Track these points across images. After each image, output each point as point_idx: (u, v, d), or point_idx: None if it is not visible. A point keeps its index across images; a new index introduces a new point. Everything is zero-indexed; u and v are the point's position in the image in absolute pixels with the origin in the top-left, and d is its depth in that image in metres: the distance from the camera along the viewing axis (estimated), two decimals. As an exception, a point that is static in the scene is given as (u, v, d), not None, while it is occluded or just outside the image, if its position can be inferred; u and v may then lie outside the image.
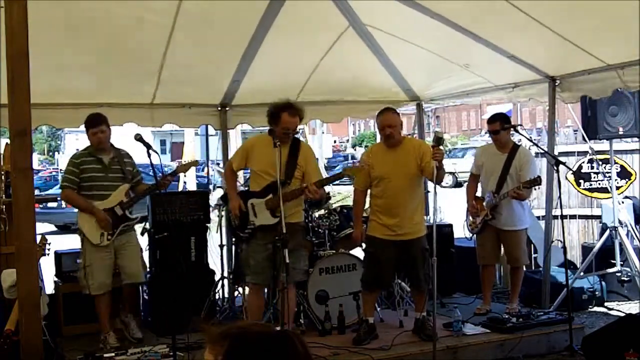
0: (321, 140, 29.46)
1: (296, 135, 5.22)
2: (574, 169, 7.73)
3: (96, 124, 5.23)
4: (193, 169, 14.00)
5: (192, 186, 16.63)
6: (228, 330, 1.50)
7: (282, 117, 4.86)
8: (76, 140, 49.34)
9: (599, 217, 7.73)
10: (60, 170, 35.45)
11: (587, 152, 7.86)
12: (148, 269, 5.95)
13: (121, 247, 5.31)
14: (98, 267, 5.20)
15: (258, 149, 5.04)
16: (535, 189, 7.82)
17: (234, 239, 6.13)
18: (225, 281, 6.39)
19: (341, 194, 6.64)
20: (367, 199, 5.38)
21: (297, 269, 4.91)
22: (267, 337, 1.49)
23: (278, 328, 4.98)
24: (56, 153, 52.07)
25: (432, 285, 4.66)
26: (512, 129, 6.05)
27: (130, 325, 5.46)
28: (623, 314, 6.06)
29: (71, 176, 5.25)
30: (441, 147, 4.79)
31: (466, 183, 6.47)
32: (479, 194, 6.15)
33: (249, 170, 5.38)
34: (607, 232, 6.85)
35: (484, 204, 5.95)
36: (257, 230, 4.94)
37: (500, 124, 5.83)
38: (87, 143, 5.45)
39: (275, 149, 4.71)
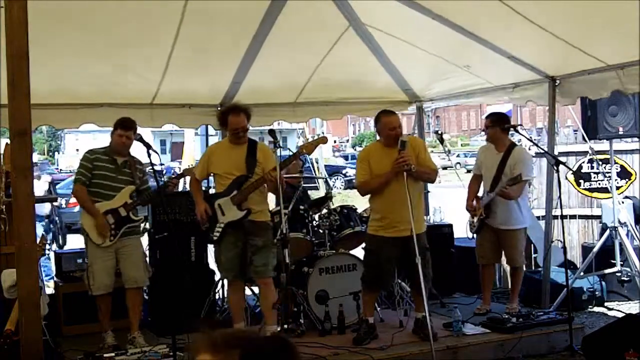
0: (321, 140, 29.44)
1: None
2: (574, 169, 7.73)
3: (128, 128, 5.27)
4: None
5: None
6: (233, 338, 1.50)
7: (229, 119, 5.14)
8: (76, 141, 49.44)
9: (599, 217, 7.73)
10: (60, 170, 35.48)
11: (587, 152, 7.86)
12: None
13: (123, 249, 5.29)
14: (99, 267, 5.21)
15: (218, 153, 5.32)
16: (534, 188, 7.86)
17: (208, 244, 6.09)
18: (225, 281, 6.39)
19: (341, 194, 6.62)
20: (366, 198, 5.39)
21: (269, 266, 5.13)
22: (276, 345, 1.52)
23: (277, 328, 5.00)
24: (56, 153, 52.12)
25: (418, 287, 4.72)
26: (512, 128, 6.09)
27: (137, 340, 5.28)
28: (623, 314, 6.06)
29: (84, 170, 5.29)
30: (405, 151, 4.89)
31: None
32: (481, 193, 6.15)
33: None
34: (607, 232, 6.85)
35: (481, 202, 5.97)
36: (227, 228, 5.14)
37: (489, 121, 5.92)
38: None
39: (234, 149, 5.10)
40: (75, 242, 7.14)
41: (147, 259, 5.69)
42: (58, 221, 10.69)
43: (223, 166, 5.21)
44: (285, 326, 4.99)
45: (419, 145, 5.26)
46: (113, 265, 5.28)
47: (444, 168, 29.19)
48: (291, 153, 5.37)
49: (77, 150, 44.17)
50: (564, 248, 5.55)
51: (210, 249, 6.30)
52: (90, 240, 5.23)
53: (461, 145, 47.02)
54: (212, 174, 5.38)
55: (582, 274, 6.76)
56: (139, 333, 5.35)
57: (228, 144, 5.29)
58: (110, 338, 5.25)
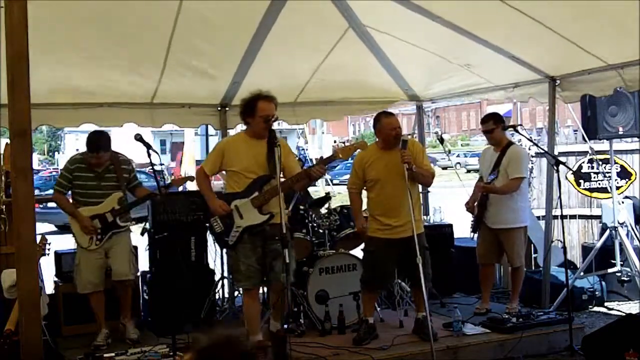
0: (321, 140, 29.51)
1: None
2: (574, 169, 7.73)
3: (94, 150, 5.21)
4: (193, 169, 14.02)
5: (192, 186, 16.60)
6: (200, 342, 1.51)
7: (258, 105, 4.73)
8: (76, 140, 49.38)
9: (599, 217, 7.73)
10: (61, 170, 35.58)
11: (587, 152, 7.86)
12: (148, 269, 5.96)
13: (111, 248, 5.35)
14: (85, 267, 5.29)
15: (235, 148, 4.87)
16: (533, 188, 7.86)
17: (217, 245, 5.94)
18: (225, 281, 6.39)
19: (341, 194, 6.62)
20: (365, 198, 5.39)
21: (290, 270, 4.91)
22: (233, 356, 1.51)
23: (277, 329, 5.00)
24: (56, 153, 52.11)
25: (418, 287, 4.72)
26: (511, 128, 6.11)
27: (127, 327, 5.45)
28: (623, 314, 6.06)
29: (63, 181, 5.36)
30: (406, 150, 4.90)
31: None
32: None
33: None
34: (607, 232, 6.85)
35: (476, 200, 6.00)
36: (244, 233, 4.77)
37: (492, 123, 5.91)
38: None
39: (254, 144, 4.76)
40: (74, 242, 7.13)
41: (142, 254, 5.72)
42: None
43: (242, 163, 4.78)
44: (285, 326, 4.98)
45: (417, 148, 5.26)
46: (101, 264, 5.33)
47: (444, 168, 29.25)
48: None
49: (77, 150, 44.25)
50: (564, 248, 5.55)
51: (210, 249, 6.31)
52: (77, 242, 5.32)
53: (461, 145, 47.07)
54: (225, 171, 4.96)
55: (582, 274, 6.76)
56: (129, 320, 5.46)
57: (246, 138, 4.87)
58: (100, 337, 5.28)
